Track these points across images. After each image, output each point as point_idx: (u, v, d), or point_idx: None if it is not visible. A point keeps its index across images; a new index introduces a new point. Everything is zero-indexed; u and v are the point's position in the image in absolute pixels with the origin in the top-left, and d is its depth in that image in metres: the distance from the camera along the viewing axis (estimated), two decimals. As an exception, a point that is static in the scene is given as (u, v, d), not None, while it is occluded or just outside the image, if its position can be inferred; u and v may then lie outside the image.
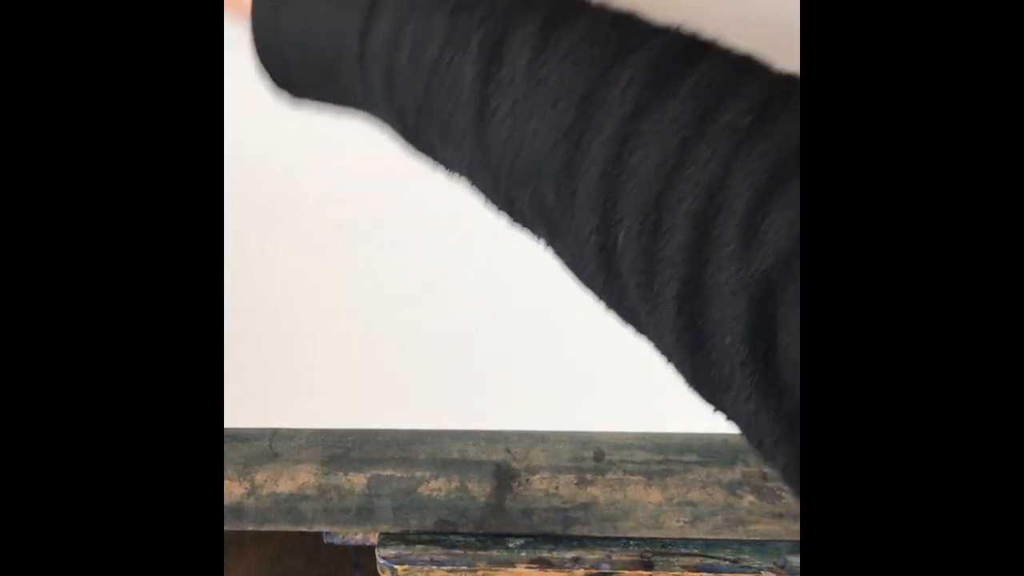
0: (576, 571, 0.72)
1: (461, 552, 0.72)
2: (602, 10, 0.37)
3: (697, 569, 0.71)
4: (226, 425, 0.74)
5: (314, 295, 0.69)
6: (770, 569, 0.71)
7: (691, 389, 0.36)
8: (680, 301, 0.34)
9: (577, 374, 0.71)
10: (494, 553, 0.71)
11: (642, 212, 0.34)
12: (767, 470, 0.72)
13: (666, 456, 0.73)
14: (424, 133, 0.38)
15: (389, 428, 0.74)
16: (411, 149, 0.40)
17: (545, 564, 0.71)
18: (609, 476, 0.72)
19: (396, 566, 0.72)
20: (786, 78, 0.35)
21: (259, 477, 0.73)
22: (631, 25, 0.36)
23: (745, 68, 0.35)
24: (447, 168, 0.40)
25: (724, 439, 0.74)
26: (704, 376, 0.35)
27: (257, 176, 0.64)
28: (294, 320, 0.70)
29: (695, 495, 0.72)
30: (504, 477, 0.73)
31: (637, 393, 0.72)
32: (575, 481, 0.73)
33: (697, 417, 0.74)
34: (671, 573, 0.71)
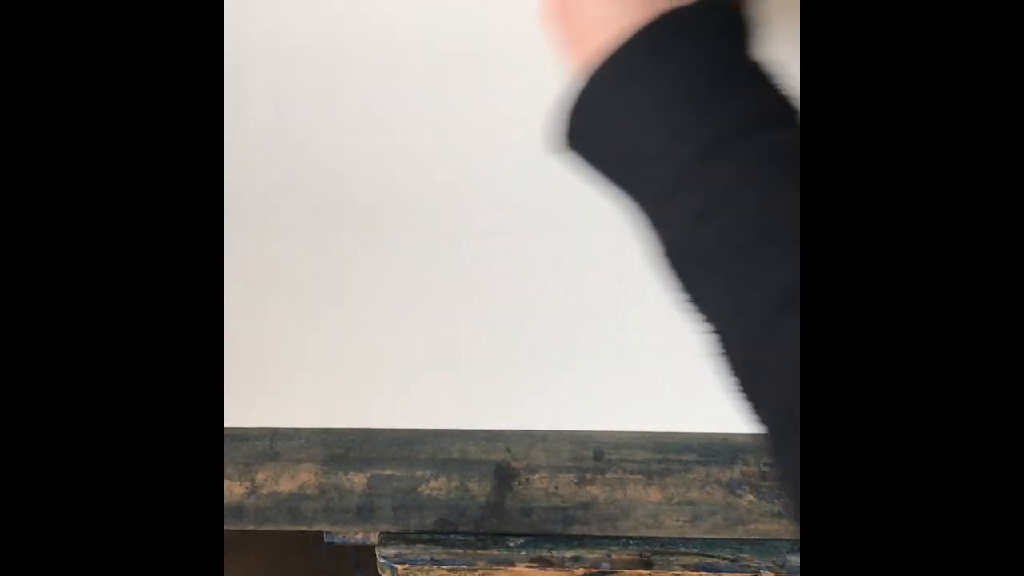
0: (576, 570, 0.72)
1: (461, 551, 0.72)
2: None
3: (696, 568, 0.71)
4: (227, 425, 0.74)
5: (314, 295, 0.69)
6: (769, 568, 0.71)
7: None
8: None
9: (577, 374, 0.71)
10: (494, 552, 0.71)
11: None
12: (766, 469, 0.72)
13: (666, 455, 0.73)
14: (702, 270, 0.38)
15: (389, 428, 0.74)
16: (665, 260, 0.40)
17: (545, 563, 0.72)
18: (609, 475, 0.73)
19: (396, 565, 0.72)
20: None
21: (259, 476, 0.73)
22: None
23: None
24: (692, 300, 0.40)
25: (724, 438, 0.74)
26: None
27: (257, 176, 0.64)
28: (294, 320, 0.70)
29: (694, 494, 0.72)
30: (504, 477, 0.73)
31: (637, 393, 0.72)
32: (575, 480, 0.73)
33: (696, 417, 0.75)
34: (670, 572, 0.71)
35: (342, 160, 0.63)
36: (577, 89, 0.40)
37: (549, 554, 0.72)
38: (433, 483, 0.73)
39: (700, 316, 0.39)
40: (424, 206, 0.65)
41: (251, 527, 0.73)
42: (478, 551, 0.72)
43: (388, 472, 0.73)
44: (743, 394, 0.38)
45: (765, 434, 0.37)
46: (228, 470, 0.73)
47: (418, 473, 0.73)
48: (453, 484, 0.73)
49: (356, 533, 0.76)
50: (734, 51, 0.39)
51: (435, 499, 0.73)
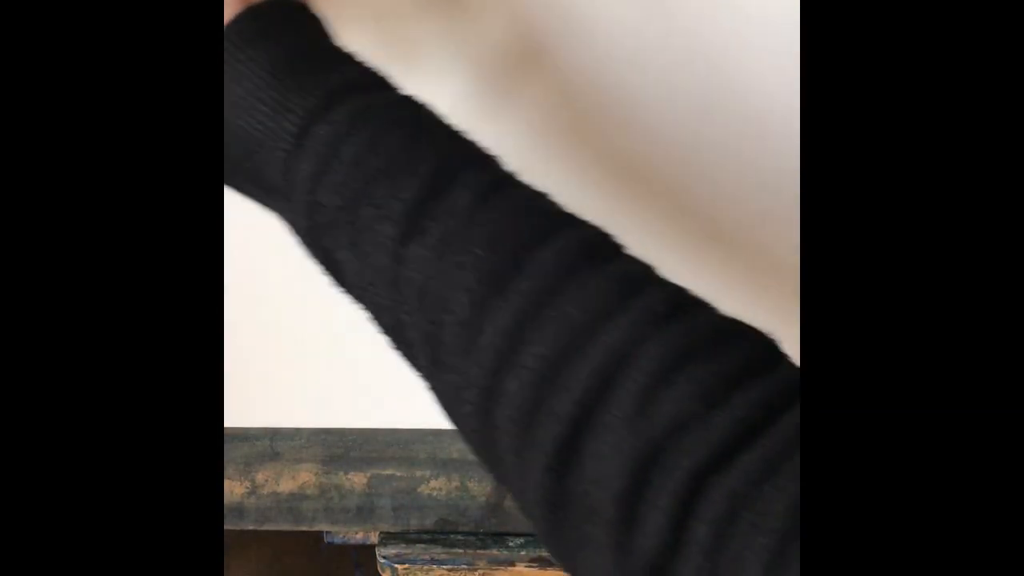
0: (576, 570, 0.72)
1: (461, 551, 0.72)
2: (526, 189, 0.40)
3: (696, 568, 0.71)
4: (227, 424, 0.74)
5: (315, 295, 0.69)
6: (769, 568, 0.71)
7: (542, 542, 0.37)
8: (556, 456, 0.34)
9: (577, 373, 0.71)
10: (494, 552, 0.71)
11: (546, 363, 0.35)
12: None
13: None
14: (329, 236, 0.39)
15: (389, 428, 0.74)
16: (302, 242, 0.41)
17: (545, 563, 0.72)
18: (609, 475, 0.73)
19: (396, 565, 0.72)
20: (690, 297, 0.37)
21: (260, 476, 0.73)
22: (554, 208, 0.40)
23: (654, 272, 0.38)
24: (335, 275, 0.41)
25: (723, 438, 0.74)
26: (559, 533, 0.36)
27: (257, 176, 0.64)
28: (295, 320, 0.70)
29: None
30: (504, 476, 0.73)
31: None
32: (575, 480, 0.73)
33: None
34: (671, 572, 0.71)
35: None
36: None
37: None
38: (433, 483, 0.73)
39: (345, 287, 0.41)
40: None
41: (251, 527, 0.73)
42: (478, 551, 0.72)
43: (388, 472, 0.73)
44: (399, 348, 0.40)
45: (424, 375, 0.40)
46: (228, 470, 0.73)
47: (418, 473, 0.73)
48: (453, 484, 0.73)
49: (356, 533, 0.76)
50: (315, 37, 0.42)
51: (435, 499, 0.73)
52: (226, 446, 0.74)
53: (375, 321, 0.41)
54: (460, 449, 0.74)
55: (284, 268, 0.68)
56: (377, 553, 0.73)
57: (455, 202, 0.37)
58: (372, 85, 0.41)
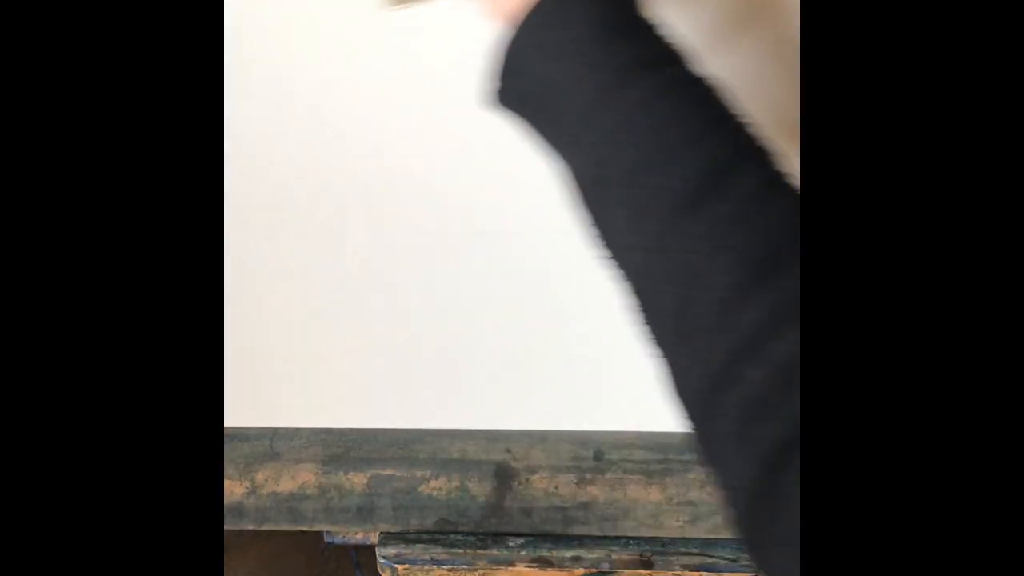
0: (576, 570, 0.72)
1: (461, 551, 0.72)
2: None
3: (696, 568, 0.71)
4: (227, 424, 0.74)
5: (314, 295, 0.69)
6: (769, 568, 0.71)
7: (737, 528, 0.39)
8: (777, 455, 0.36)
9: (577, 374, 0.71)
10: (494, 552, 0.72)
11: (790, 361, 0.36)
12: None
13: (665, 455, 0.73)
14: (609, 191, 0.42)
15: (389, 428, 0.74)
16: (579, 189, 0.43)
17: (545, 563, 0.72)
18: (609, 475, 0.73)
19: (396, 565, 0.72)
20: None
21: (259, 476, 0.73)
22: None
23: None
24: (602, 230, 0.43)
25: (724, 438, 0.74)
26: (761, 525, 0.38)
27: (257, 176, 0.64)
28: (294, 320, 0.70)
29: (694, 494, 0.72)
30: (504, 476, 0.73)
31: (636, 393, 0.72)
32: (575, 480, 0.73)
33: (696, 416, 0.74)
34: (671, 572, 0.71)
35: (342, 160, 0.63)
36: (503, 42, 0.43)
37: (549, 554, 0.72)
38: (433, 483, 0.73)
39: (605, 242, 0.43)
40: (424, 206, 0.65)
41: (251, 527, 0.74)
42: (478, 551, 0.72)
43: (388, 472, 0.73)
44: (643, 310, 0.41)
45: (659, 343, 0.41)
46: (228, 470, 0.73)
47: (418, 473, 0.73)
48: (453, 484, 0.73)
49: (356, 533, 0.76)
50: (628, 4, 0.43)
51: (435, 499, 0.73)
52: (226, 446, 0.74)
53: (625, 282, 0.42)
54: (460, 449, 0.74)
55: (284, 268, 0.68)
56: (377, 553, 0.73)
57: (735, 189, 0.39)
58: (677, 58, 0.43)
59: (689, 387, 0.39)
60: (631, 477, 0.72)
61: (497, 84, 0.45)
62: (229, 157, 0.62)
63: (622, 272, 0.42)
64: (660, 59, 0.42)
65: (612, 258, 0.42)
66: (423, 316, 0.69)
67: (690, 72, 0.42)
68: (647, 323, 0.42)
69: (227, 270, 0.67)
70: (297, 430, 0.75)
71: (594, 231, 0.43)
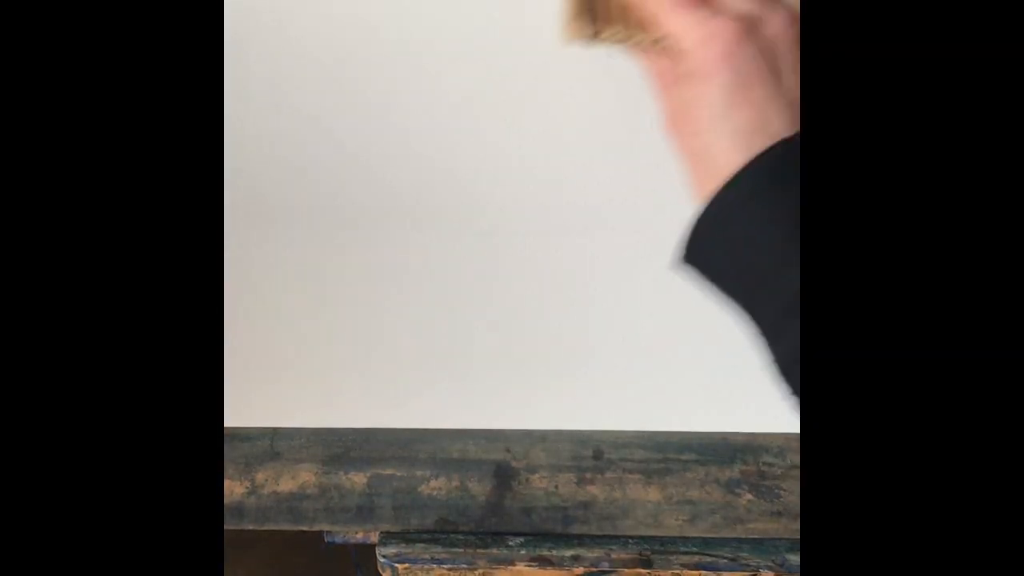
0: (576, 569, 0.72)
1: (461, 551, 0.72)
2: None
3: (696, 567, 0.71)
4: (227, 424, 0.74)
5: (314, 295, 0.69)
6: (768, 567, 0.71)
7: None
8: None
9: (577, 374, 0.71)
10: (494, 551, 0.72)
11: None
12: (765, 469, 0.72)
13: (665, 455, 0.73)
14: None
15: (389, 428, 0.74)
16: (782, 366, 0.43)
17: (545, 562, 0.72)
18: (608, 475, 0.73)
19: (396, 565, 0.72)
20: None
21: (260, 476, 0.73)
22: None
23: None
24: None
25: (723, 437, 0.74)
26: None
27: (257, 176, 0.64)
28: (294, 320, 0.70)
29: (694, 493, 0.72)
30: (504, 476, 0.73)
31: (636, 392, 0.72)
32: (574, 480, 0.73)
33: (695, 416, 0.75)
34: (670, 571, 0.71)
35: (343, 160, 0.63)
36: (700, 210, 0.42)
37: (549, 553, 0.72)
38: (433, 483, 0.73)
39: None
40: (425, 206, 0.65)
41: (251, 527, 0.73)
42: (478, 550, 0.72)
43: (388, 472, 0.73)
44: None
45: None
46: (228, 470, 0.73)
47: (418, 473, 0.73)
48: (453, 484, 0.73)
49: (356, 533, 0.76)
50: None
51: (435, 499, 0.73)
52: (226, 446, 0.74)
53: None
54: (460, 449, 0.74)
55: (284, 268, 0.68)
56: (377, 553, 0.73)
57: None
58: None
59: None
60: (631, 476, 0.73)
61: (683, 249, 0.44)
62: (229, 157, 0.62)
63: None
64: None
65: None
66: (423, 316, 0.69)
67: None
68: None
69: (227, 270, 0.67)
70: (297, 430, 0.75)
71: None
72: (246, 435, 0.75)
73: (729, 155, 0.42)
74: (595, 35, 0.46)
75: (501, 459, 0.73)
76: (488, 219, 0.65)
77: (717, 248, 0.43)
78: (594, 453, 0.73)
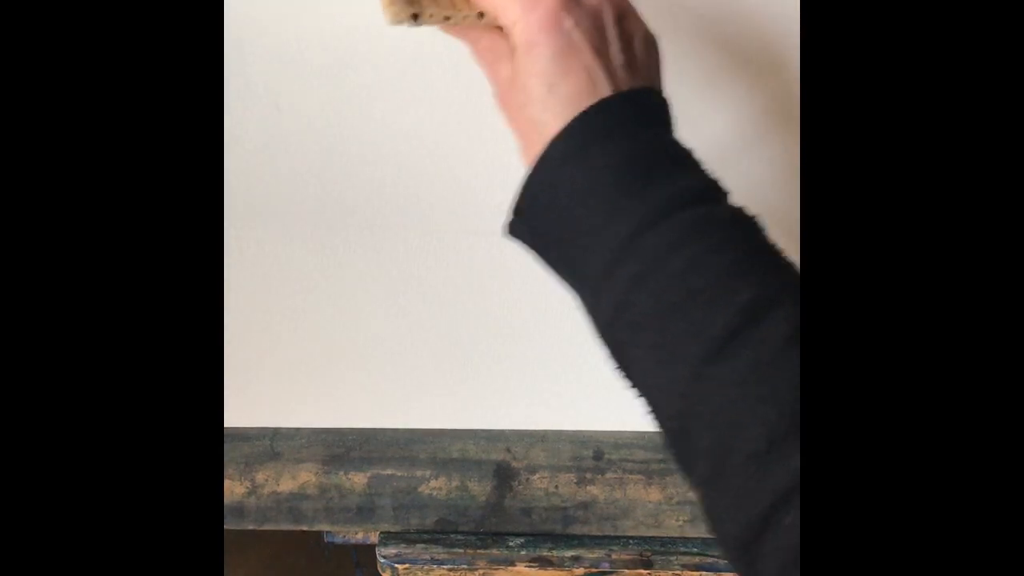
0: (576, 570, 0.72)
1: (461, 551, 0.72)
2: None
3: (696, 568, 0.71)
4: (227, 424, 0.74)
5: (314, 295, 0.69)
6: (769, 568, 0.71)
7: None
8: None
9: (577, 374, 0.71)
10: (494, 552, 0.72)
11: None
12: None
13: (665, 455, 0.73)
14: (630, 333, 0.40)
15: (389, 428, 0.74)
16: (597, 328, 0.42)
17: (545, 563, 0.72)
18: (609, 475, 0.73)
19: (397, 565, 0.72)
20: None
21: (260, 476, 0.74)
22: None
23: None
24: (621, 363, 0.42)
25: (723, 438, 0.74)
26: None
27: (257, 176, 0.64)
28: (294, 320, 0.70)
29: (694, 494, 0.72)
30: (504, 476, 0.73)
31: (636, 392, 0.72)
32: (575, 480, 0.73)
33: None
34: (670, 572, 0.71)
35: (342, 160, 0.63)
36: (524, 177, 0.42)
37: (549, 553, 0.72)
38: (433, 483, 0.73)
39: (632, 380, 0.41)
40: (425, 206, 0.65)
41: (251, 527, 0.74)
42: (478, 551, 0.72)
43: (388, 472, 0.73)
44: (674, 446, 0.40)
45: (694, 481, 0.39)
46: (228, 470, 0.73)
47: (418, 473, 0.73)
48: (453, 484, 0.73)
49: (356, 533, 0.76)
50: (659, 135, 0.42)
51: (435, 499, 0.73)
52: (226, 446, 0.74)
53: (654, 414, 0.41)
54: (460, 449, 0.74)
55: (284, 268, 0.68)
56: (377, 553, 0.73)
57: (768, 334, 0.37)
58: (707, 195, 0.41)
59: (728, 532, 0.38)
60: (631, 477, 0.73)
61: (509, 217, 0.44)
62: (229, 157, 0.62)
63: (652, 409, 0.41)
64: (693, 197, 0.40)
65: (641, 396, 0.41)
66: (423, 316, 0.69)
67: (724, 209, 0.41)
68: (681, 462, 0.40)
69: (227, 270, 0.67)
70: (297, 430, 0.75)
71: (619, 370, 0.42)
72: (246, 435, 0.75)
73: (557, 124, 0.41)
74: (416, 16, 0.44)
75: (501, 459, 0.73)
76: (490, 220, 0.65)
77: (540, 215, 0.42)
78: (594, 453, 0.73)
